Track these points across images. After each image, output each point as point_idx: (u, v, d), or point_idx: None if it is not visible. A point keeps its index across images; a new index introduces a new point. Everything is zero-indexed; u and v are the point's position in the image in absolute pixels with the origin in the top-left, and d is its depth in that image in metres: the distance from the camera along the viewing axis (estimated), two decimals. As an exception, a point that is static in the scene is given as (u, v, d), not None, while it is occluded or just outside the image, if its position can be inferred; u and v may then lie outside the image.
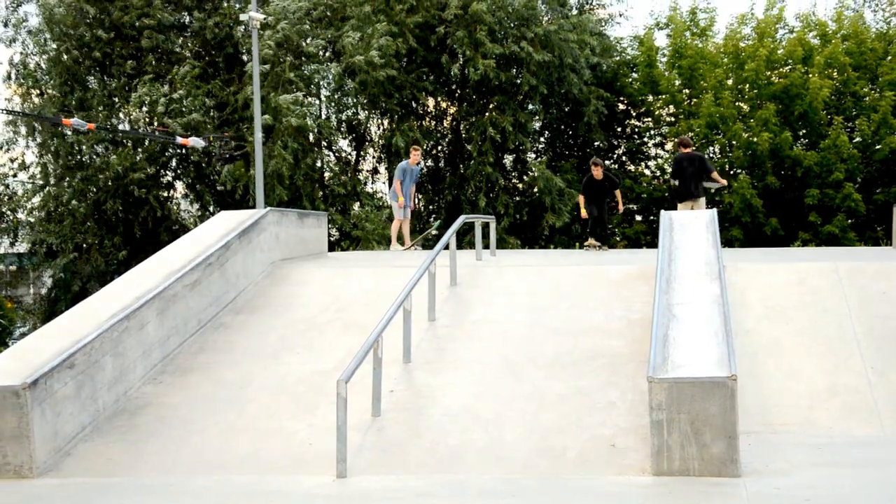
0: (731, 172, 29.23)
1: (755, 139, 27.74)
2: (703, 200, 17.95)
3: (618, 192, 18.24)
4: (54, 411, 10.04)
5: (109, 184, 28.75)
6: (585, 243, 19.06)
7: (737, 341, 10.47)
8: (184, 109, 28.31)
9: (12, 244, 32.96)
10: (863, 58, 29.33)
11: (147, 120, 29.36)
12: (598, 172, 17.82)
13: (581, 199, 18.34)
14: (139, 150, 29.24)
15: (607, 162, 32.88)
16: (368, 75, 27.81)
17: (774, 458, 9.26)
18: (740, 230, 27.88)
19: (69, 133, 29.04)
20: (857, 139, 28.60)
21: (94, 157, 29.43)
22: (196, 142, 27.13)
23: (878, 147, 28.24)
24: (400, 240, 19.64)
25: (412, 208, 20.05)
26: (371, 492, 8.51)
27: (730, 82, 29.53)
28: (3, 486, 9.28)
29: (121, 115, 29.99)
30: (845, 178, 27.73)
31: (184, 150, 29.57)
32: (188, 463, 9.79)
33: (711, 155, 29.96)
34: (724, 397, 8.82)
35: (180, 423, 10.61)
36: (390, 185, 19.91)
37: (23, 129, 30.60)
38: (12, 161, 31.81)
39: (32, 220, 31.75)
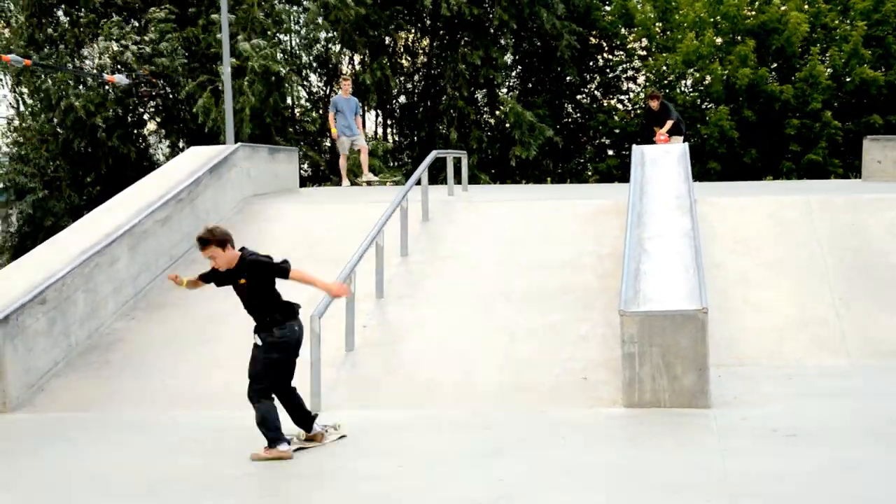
0: (706, 107, 29.21)
1: (735, 76, 27.66)
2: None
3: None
4: (26, 347, 10.02)
5: (75, 123, 28.26)
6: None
7: (707, 275, 10.55)
8: (156, 51, 27.83)
9: None
10: (833, -12, 29.28)
11: (114, 60, 28.82)
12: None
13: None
14: (107, 88, 28.77)
15: (579, 97, 32.76)
16: (341, 12, 27.50)
17: (743, 390, 9.38)
18: (717, 163, 27.94)
19: (33, 72, 28.51)
20: (829, 70, 28.59)
21: (64, 97, 28.87)
22: (120, 79, 26.95)
23: (848, 79, 28.28)
24: (352, 174, 19.55)
25: (363, 140, 19.67)
26: (347, 426, 8.55)
27: (704, 15, 29.35)
28: (-24, 423, 9.27)
29: (84, 52, 29.40)
30: (823, 108, 27.77)
31: (153, 90, 29.17)
32: (161, 398, 9.80)
33: (683, 90, 29.90)
34: (695, 330, 8.90)
35: (153, 358, 10.62)
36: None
37: None
38: None
39: (3, 157, 31.32)
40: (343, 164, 19.37)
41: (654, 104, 18.87)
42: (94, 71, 27.85)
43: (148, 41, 27.94)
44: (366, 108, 30.77)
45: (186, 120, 29.16)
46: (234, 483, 7.21)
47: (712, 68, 28.11)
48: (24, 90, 29.93)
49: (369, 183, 19.55)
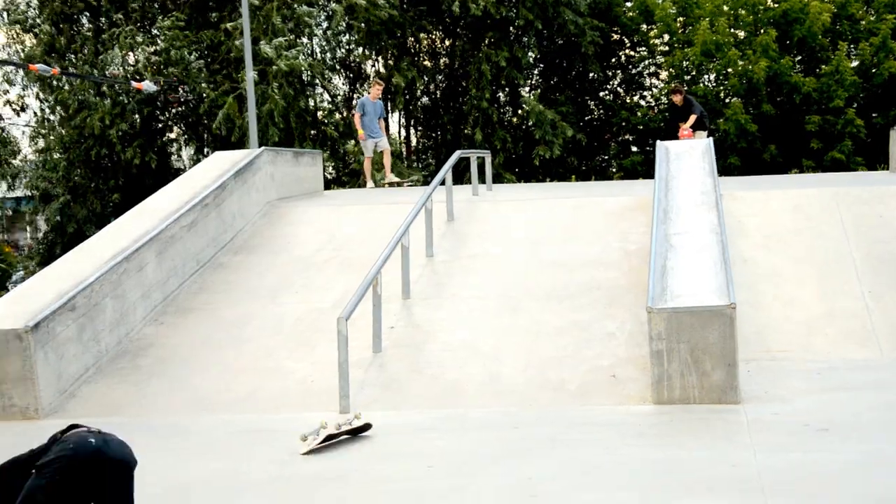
0: (726, 100, 29.04)
1: (752, 67, 27.51)
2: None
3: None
4: (57, 354, 10.09)
5: (95, 133, 28.41)
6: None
7: (735, 270, 10.50)
8: (170, 59, 27.95)
9: (10, 188, 32.77)
10: (860, -21, 29.04)
11: (132, 69, 28.94)
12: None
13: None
14: (129, 97, 28.87)
15: (602, 94, 32.71)
16: (369, 13, 27.56)
17: (773, 385, 9.33)
18: (737, 158, 27.78)
19: (57, 80, 28.69)
20: (855, 63, 28.34)
21: (84, 108, 29.00)
22: (148, 86, 27.01)
23: (875, 71, 28.03)
24: (374, 177, 19.53)
25: (387, 142, 19.64)
26: (374, 427, 8.57)
27: (725, 8, 29.19)
28: (10, 427, 9.34)
29: (104, 61, 29.51)
30: (846, 105, 27.55)
31: (166, 96, 29.27)
32: (191, 403, 9.85)
33: (706, 84, 29.74)
34: (724, 325, 8.86)
35: (182, 363, 10.67)
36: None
37: (20, 73, 30.23)
38: (9, 104, 31.44)
39: (28, 165, 31.55)
40: (368, 166, 19.42)
41: (677, 99, 18.86)
42: (121, 79, 27.99)
43: (159, 51, 28.07)
44: (389, 110, 30.80)
45: (210, 127, 29.27)
46: (264, 486, 7.24)
47: (730, 56, 27.93)
48: (46, 97, 30.12)
49: (391, 184, 19.60)
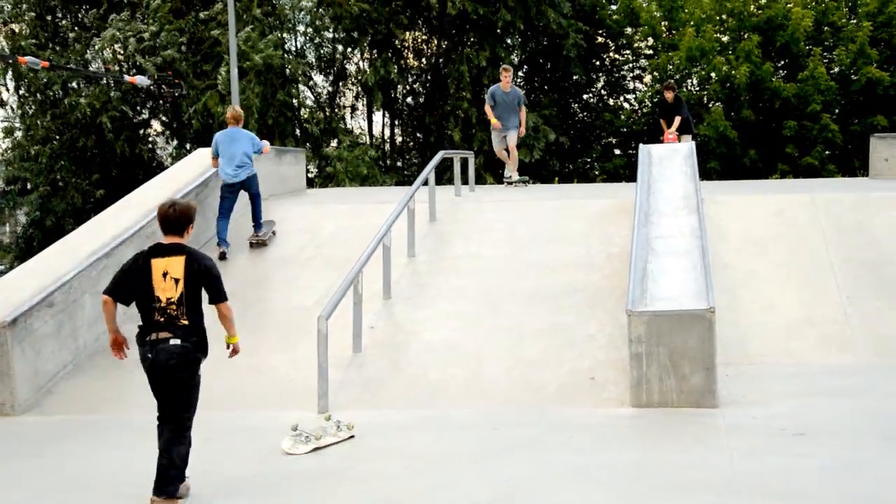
0: (708, 104, 29.16)
1: (734, 72, 27.63)
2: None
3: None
4: (34, 349, 10.04)
5: (83, 121, 28.29)
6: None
7: (715, 274, 10.54)
8: (157, 45, 27.87)
9: None
10: (841, -14, 29.22)
11: (120, 56, 28.84)
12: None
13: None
14: (113, 88, 28.77)
15: (585, 97, 32.76)
16: (342, 8, 27.47)
17: (752, 389, 9.37)
18: (717, 162, 27.92)
19: (41, 71, 28.54)
20: (835, 70, 28.52)
21: (67, 94, 28.89)
22: (142, 80, 26.76)
23: (854, 78, 28.21)
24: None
25: (519, 134, 17.98)
26: (354, 427, 8.55)
27: (710, 12, 29.31)
28: (-15, 425, 9.30)
29: (89, 51, 29.39)
30: (822, 110, 27.71)
31: (160, 89, 29.14)
32: (170, 400, 9.79)
33: (690, 88, 29.84)
34: (703, 330, 8.90)
35: (161, 360, 10.61)
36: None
37: None
38: None
39: (7, 157, 31.36)
40: (501, 155, 18.06)
41: (669, 95, 18.81)
42: (114, 72, 27.85)
43: (149, 35, 27.96)
44: (370, 107, 30.65)
45: (192, 123, 29.21)
46: (244, 483, 7.23)
47: (715, 63, 28.06)
48: (25, 92, 29.92)
49: (510, 182, 18.53)
